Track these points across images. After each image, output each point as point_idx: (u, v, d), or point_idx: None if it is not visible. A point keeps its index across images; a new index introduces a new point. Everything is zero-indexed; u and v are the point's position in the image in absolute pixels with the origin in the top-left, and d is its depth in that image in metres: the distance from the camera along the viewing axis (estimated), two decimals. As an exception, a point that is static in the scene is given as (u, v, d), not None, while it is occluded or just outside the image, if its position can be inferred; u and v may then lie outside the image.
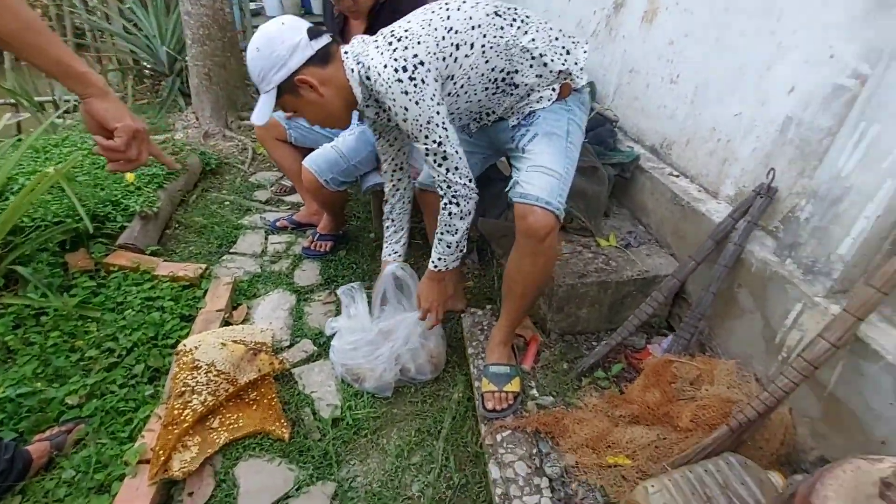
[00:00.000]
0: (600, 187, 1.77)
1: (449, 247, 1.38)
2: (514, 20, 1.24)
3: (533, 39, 1.24)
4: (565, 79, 1.31)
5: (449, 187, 1.27)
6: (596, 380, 1.49)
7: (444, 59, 1.17)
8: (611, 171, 1.85)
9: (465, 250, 1.43)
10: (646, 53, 1.94)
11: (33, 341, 1.60)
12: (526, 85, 1.29)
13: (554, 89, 1.30)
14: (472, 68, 1.22)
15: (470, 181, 1.29)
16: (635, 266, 1.63)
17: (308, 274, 2.15)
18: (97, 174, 2.31)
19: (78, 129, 3.39)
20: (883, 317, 1.11)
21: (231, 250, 2.27)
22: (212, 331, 1.68)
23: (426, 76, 1.14)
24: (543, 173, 1.27)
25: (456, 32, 1.18)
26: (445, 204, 1.31)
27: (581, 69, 1.33)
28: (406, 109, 1.15)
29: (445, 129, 1.19)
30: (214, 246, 2.30)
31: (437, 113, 1.17)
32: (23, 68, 4.60)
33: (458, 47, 1.18)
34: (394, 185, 1.62)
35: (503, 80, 1.27)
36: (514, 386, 1.43)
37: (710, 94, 1.62)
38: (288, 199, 2.74)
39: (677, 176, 1.76)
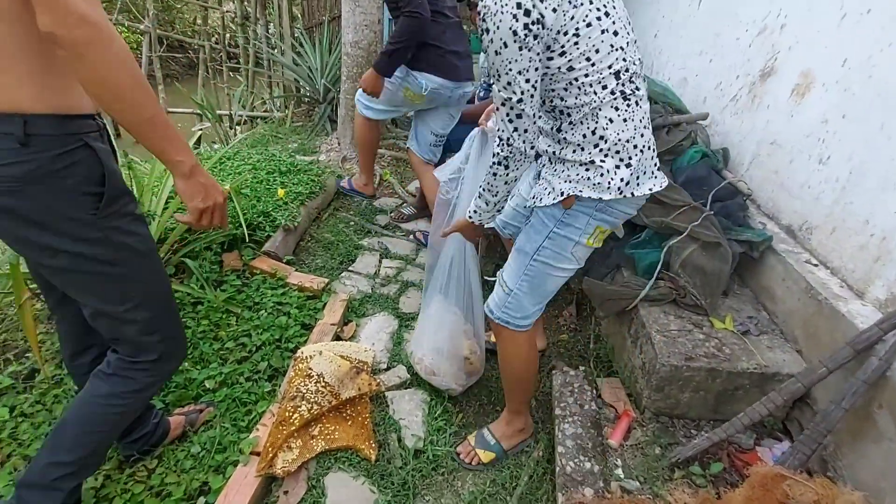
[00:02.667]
0: (721, 265, 1.67)
1: (487, 204, 1.32)
2: (632, 86, 1.14)
3: (614, 120, 1.12)
4: (589, 178, 1.16)
5: (508, 146, 1.15)
6: (691, 475, 1.39)
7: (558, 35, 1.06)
8: (736, 247, 1.73)
9: (503, 209, 1.42)
10: (792, 128, 1.80)
11: (188, 325, 1.93)
12: (560, 141, 1.20)
13: (562, 192, 1.18)
14: (557, 71, 1.10)
15: (532, 149, 1.17)
16: (752, 358, 1.50)
17: (412, 302, 2.30)
18: (257, 188, 2.71)
19: (246, 143, 4.01)
20: None
21: (350, 268, 2.51)
22: (325, 343, 1.88)
23: (538, 34, 1.04)
24: (498, 283, 1.40)
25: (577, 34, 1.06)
26: (494, 164, 1.21)
27: (622, 189, 1.16)
28: (505, 46, 1.04)
29: (534, 88, 1.08)
30: (337, 262, 2.57)
31: (535, 70, 1.07)
32: (211, 84, 5.58)
33: (571, 45, 1.07)
34: None
35: (559, 110, 1.18)
36: (484, 456, 1.56)
37: (867, 183, 1.46)
38: (404, 226, 2.96)
39: (816, 265, 1.60)
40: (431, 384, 1.78)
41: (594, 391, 1.67)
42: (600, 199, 1.17)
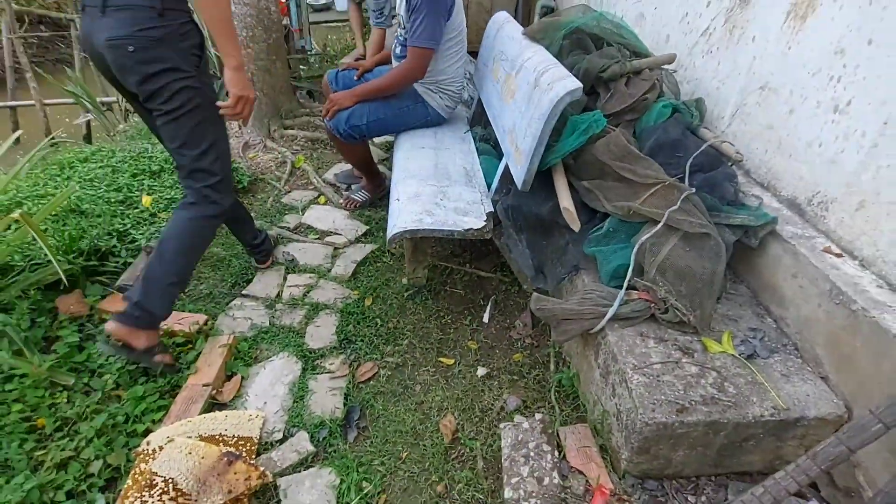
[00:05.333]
0: (713, 265, 1.23)
1: None
2: None
3: None
4: None
5: None
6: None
7: None
8: (730, 236, 1.29)
9: None
10: (791, 64, 1.34)
11: (-9, 416, 1.37)
12: None
13: None
14: None
15: None
16: (766, 396, 1.08)
17: (322, 332, 1.79)
18: (111, 198, 2.09)
19: (118, 138, 3.29)
20: None
21: (244, 291, 1.96)
22: (186, 421, 1.35)
23: None
24: None
25: None
26: None
27: None
28: None
29: None
30: (227, 285, 2.01)
31: None
32: (91, 68, 4.67)
33: None
34: None
35: None
36: None
37: (914, 138, 1.02)
38: (318, 225, 2.40)
39: (839, 255, 1.17)
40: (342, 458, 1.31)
41: (556, 451, 1.23)
42: None
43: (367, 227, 2.37)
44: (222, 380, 1.56)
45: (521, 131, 1.61)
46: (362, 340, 1.76)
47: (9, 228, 1.53)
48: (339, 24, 7.24)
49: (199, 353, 1.61)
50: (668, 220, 1.27)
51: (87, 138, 4.85)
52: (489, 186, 1.91)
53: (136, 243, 1.92)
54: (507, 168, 1.79)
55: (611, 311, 1.23)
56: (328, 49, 5.44)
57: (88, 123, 4.76)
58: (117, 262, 1.87)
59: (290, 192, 2.70)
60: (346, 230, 2.35)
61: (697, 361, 1.17)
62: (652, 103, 1.61)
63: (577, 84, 1.39)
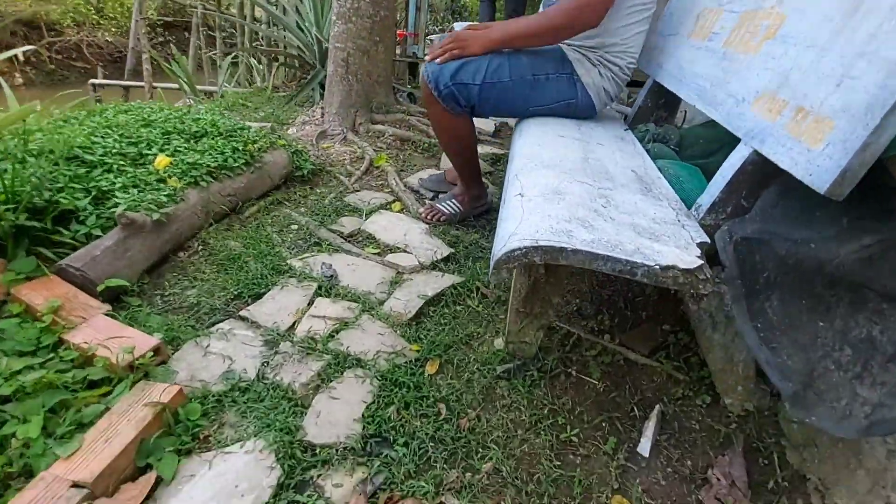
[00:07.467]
0: None
1: None
2: None
3: None
4: None
5: None
6: None
7: None
8: None
9: None
10: None
11: None
12: None
13: None
14: None
15: None
16: None
17: (338, 411, 0.97)
18: (119, 150, 1.51)
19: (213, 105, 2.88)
20: None
21: (243, 312, 1.23)
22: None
23: None
24: None
25: None
26: None
27: None
28: None
29: None
30: (228, 295, 1.29)
31: None
32: (204, 56, 4.59)
33: None
34: None
35: None
36: None
37: None
38: (382, 235, 1.65)
39: None
40: None
41: None
42: None
43: (452, 251, 1.58)
44: (119, 478, 0.79)
45: (822, 81, 0.74)
46: (406, 446, 0.92)
47: None
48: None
49: (107, 408, 0.87)
50: None
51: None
52: (685, 202, 1.04)
53: (113, 211, 1.28)
54: (746, 165, 0.91)
55: None
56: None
57: (189, 108, 4.64)
58: (83, 230, 1.24)
59: (358, 191, 2.01)
60: (419, 249, 1.58)
61: None
62: None
63: None
